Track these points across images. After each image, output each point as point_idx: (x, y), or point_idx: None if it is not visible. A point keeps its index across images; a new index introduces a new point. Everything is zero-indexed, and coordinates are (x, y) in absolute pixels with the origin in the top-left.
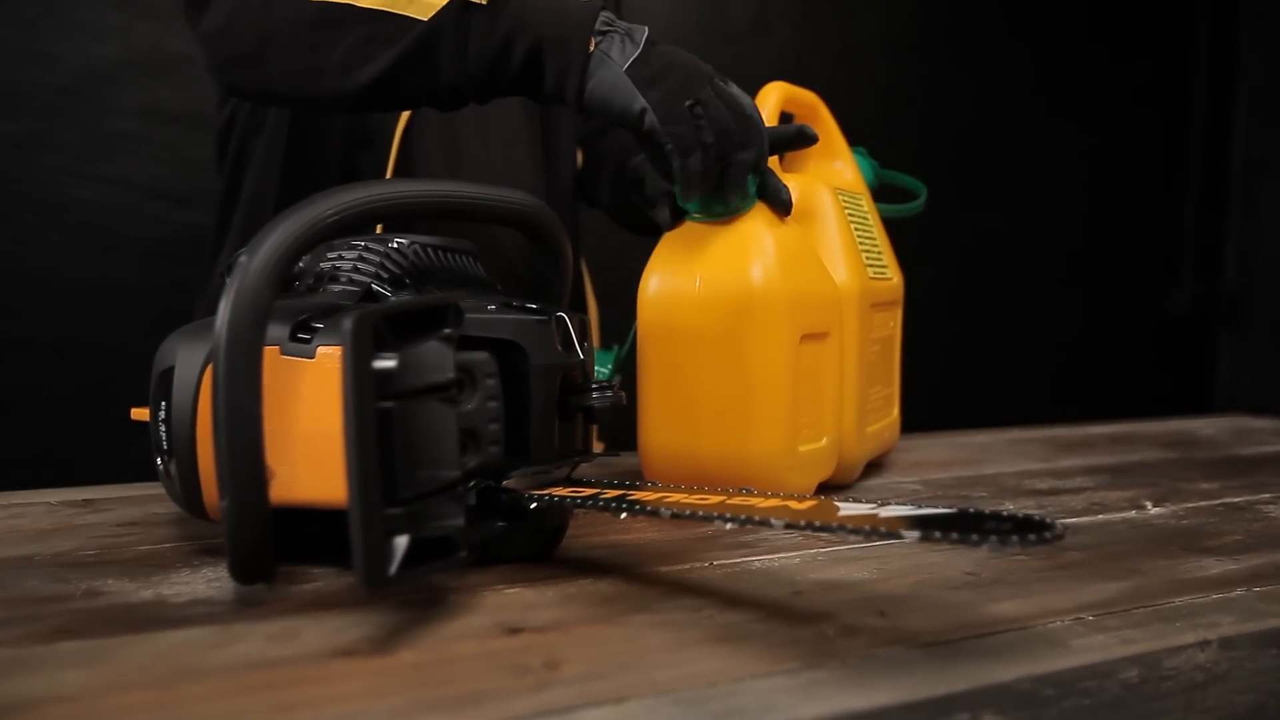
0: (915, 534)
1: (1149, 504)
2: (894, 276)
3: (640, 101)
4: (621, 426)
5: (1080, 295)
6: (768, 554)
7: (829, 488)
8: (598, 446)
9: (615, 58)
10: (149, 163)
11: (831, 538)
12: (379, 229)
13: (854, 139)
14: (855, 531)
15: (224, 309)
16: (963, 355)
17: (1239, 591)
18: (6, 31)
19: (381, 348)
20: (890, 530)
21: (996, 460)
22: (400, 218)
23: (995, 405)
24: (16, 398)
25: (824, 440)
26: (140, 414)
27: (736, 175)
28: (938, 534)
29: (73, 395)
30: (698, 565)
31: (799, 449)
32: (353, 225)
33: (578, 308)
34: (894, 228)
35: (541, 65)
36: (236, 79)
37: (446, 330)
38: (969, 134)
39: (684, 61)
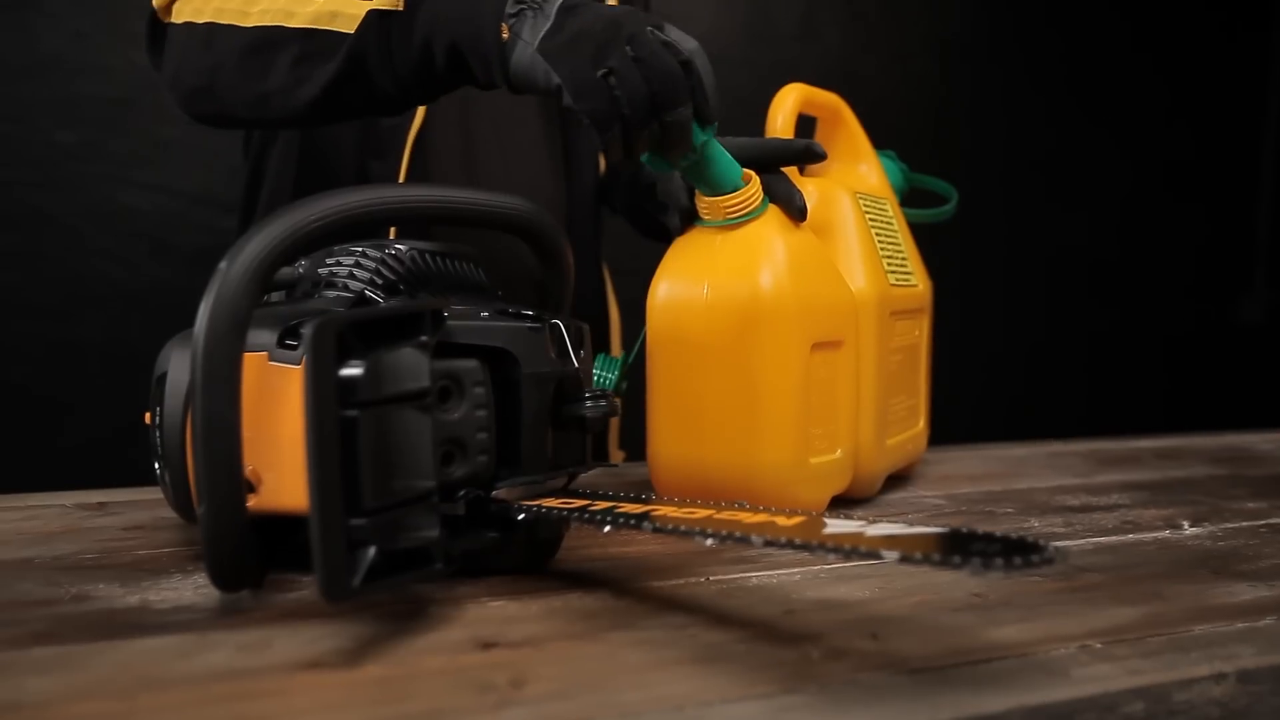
0: (895, 554)
1: (1186, 523)
2: (920, 283)
3: (554, 78)
4: (642, 437)
5: (1140, 304)
6: (769, 569)
7: (846, 501)
8: (618, 456)
9: (527, 37)
10: (197, 171)
11: (829, 555)
12: (393, 233)
13: (900, 142)
14: (835, 550)
15: (202, 315)
16: (1010, 366)
17: (1267, 620)
18: (61, 44)
19: (350, 355)
20: (871, 550)
21: (1030, 475)
22: (388, 223)
23: (1046, 418)
24: (67, 399)
25: (838, 452)
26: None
27: (674, 136)
28: (918, 555)
29: (120, 398)
30: (693, 580)
31: (810, 461)
32: (339, 231)
33: (599, 314)
34: (935, 233)
35: (465, 61)
36: (198, 111)
37: (423, 337)
38: (1018, 137)
39: (602, 25)
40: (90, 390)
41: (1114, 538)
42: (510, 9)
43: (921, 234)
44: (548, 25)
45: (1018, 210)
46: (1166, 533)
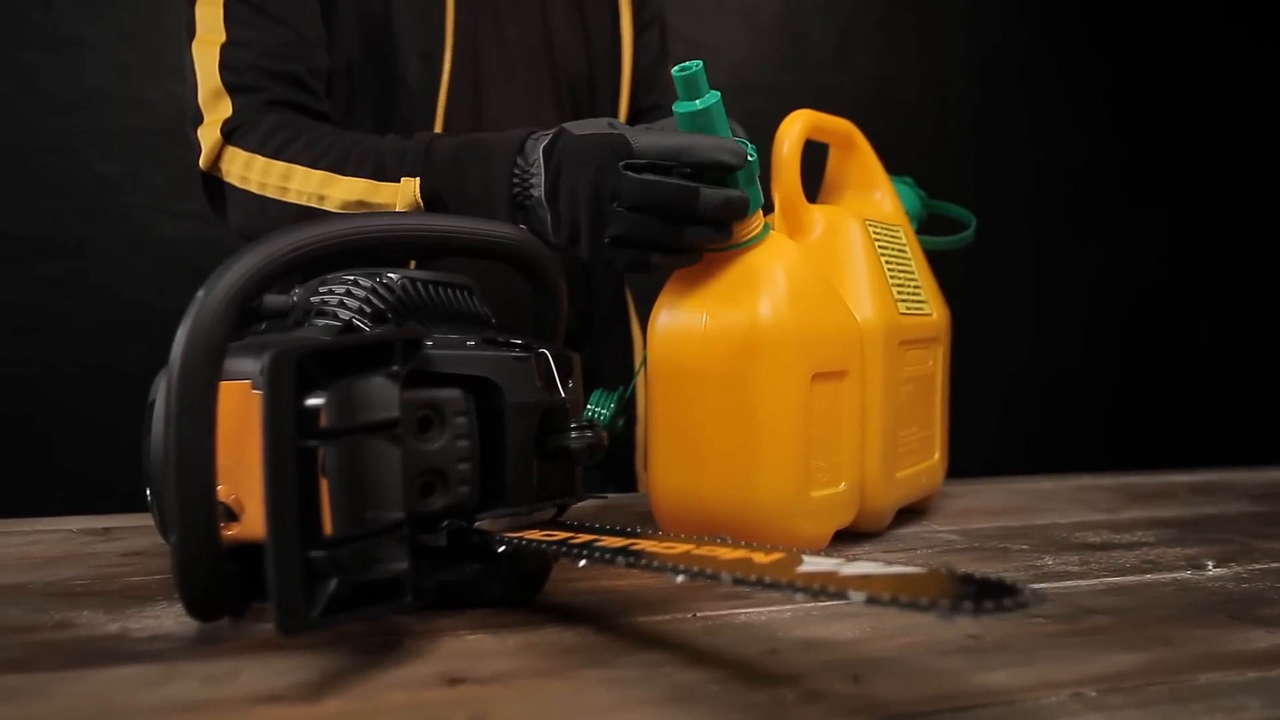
0: (862, 596)
1: (1210, 563)
2: (934, 312)
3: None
4: None
5: (1179, 332)
6: (759, 606)
7: (852, 536)
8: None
9: (540, 230)
10: None
11: (796, 595)
12: (411, 265)
13: (936, 166)
14: (804, 590)
15: (178, 343)
16: (1037, 396)
17: None
18: (103, 79)
19: (314, 385)
20: (839, 590)
21: (1053, 510)
22: (373, 252)
23: (1076, 451)
24: (105, 424)
25: (842, 485)
26: None
27: (720, 214)
28: (886, 596)
29: None
30: (679, 616)
31: (811, 494)
32: (319, 260)
33: (623, 338)
34: (965, 258)
35: None
36: None
37: (394, 367)
38: (1055, 161)
39: (585, 210)
40: (127, 415)
41: (1130, 578)
42: (517, 207)
43: (950, 260)
44: (548, 217)
45: (1052, 235)
46: (1188, 573)
